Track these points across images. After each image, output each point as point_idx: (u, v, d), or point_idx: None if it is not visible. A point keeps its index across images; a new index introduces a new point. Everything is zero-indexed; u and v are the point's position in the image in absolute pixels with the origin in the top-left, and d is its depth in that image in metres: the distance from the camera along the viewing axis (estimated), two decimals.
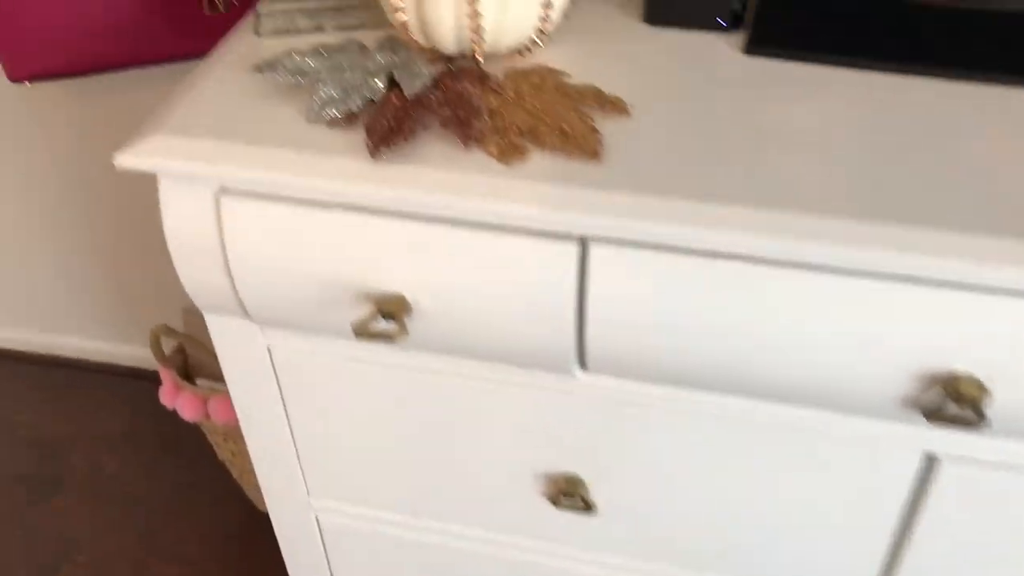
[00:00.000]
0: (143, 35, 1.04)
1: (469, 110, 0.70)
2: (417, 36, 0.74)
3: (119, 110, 1.28)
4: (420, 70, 0.74)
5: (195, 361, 1.41)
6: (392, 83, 0.73)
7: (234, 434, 1.36)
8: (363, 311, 0.74)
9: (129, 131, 1.30)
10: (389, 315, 0.72)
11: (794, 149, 0.67)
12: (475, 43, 0.73)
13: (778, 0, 0.81)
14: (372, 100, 0.72)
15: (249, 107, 0.73)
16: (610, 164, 0.66)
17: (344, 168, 0.68)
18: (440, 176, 0.67)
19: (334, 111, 0.71)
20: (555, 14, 0.74)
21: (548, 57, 0.77)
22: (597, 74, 0.75)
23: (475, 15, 0.71)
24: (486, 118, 0.70)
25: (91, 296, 1.65)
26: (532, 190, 0.65)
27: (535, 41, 0.75)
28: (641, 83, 0.74)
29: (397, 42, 0.79)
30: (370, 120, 0.70)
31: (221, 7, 1.05)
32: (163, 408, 1.40)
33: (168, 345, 1.40)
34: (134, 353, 1.72)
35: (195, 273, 0.76)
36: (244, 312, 0.79)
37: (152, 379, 1.66)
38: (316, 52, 0.76)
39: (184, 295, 1.49)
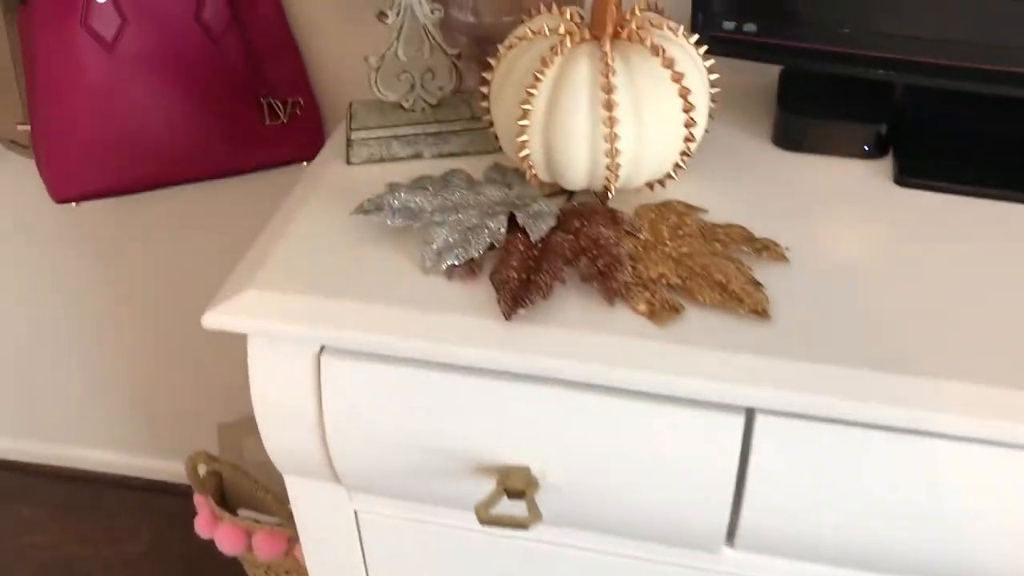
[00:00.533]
0: (197, 151, 0.96)
1: (610, 259, 0.61)
2: (540, 172, 0.66)
3: (158, 220, 1.19)
4: (542, 208, 0.66)
5: (231, 484, 1.30)
6: (512, 221, 0.65)
7: (277, 567, 1.24)
8: (481, 484, 0.64)
9: (169, 240, 1.21)
10: (516, 493, 0.62)
11: (973, 305, 0.59)
12: (608, 180, 0.65)
13: (929, 125, 0.73)
14: (493, 245, 0.64)
15: (352, 254, 0.65)
16: (776, 323, 0.58)
17: (474, 331, 0.59)
18: (584, 340, 0.58)
19: (453, 259, 0.62)
20: (695, 146, 0.66)
21: (677, 189, 0.69)
22: (737, 208, 0.67)
23: (614, 153, 0.63)
24: (629, 268, 0.61)
25: (115, 406, 1.55)
26: (693, 358, 0.57)
27: (671, 175, 0.67)
28: (789, 219, 0.66)
29: (507, 171, 0.71)
30: (497, 272, 0.61)
31: (283, 116, 0.97)
32: (190, 525, 1.29)
33: (203, 468, 1.29)
34: (158, 465, 1.61)
35: (285, 439, 0.67)
36: (335, 477, 0.69)
37: (177, 493, 1.55)
38: (420, 186, 0.68)
39: (221, 410, 1.39)
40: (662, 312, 0.59)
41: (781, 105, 0.74)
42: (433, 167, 0.73)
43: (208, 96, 0.95)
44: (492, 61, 0.67)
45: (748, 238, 0.64)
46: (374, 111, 0.74)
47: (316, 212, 0.69)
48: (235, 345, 0.66)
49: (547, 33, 0.64)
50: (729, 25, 0.72)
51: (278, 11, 0.95)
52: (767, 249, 0.63)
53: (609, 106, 0.61)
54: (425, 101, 0.74)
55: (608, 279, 0.60)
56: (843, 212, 0.67)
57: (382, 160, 0.73)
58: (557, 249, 0.63)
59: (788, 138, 0.74)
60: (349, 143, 0.73)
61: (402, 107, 0.74)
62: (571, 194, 0.69)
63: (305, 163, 1.01)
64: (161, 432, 1.58)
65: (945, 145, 0.72)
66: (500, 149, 0.72)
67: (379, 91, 0.72)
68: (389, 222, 0.65)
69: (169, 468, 1.60)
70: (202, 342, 1.31)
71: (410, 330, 0.59)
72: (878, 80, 0.71)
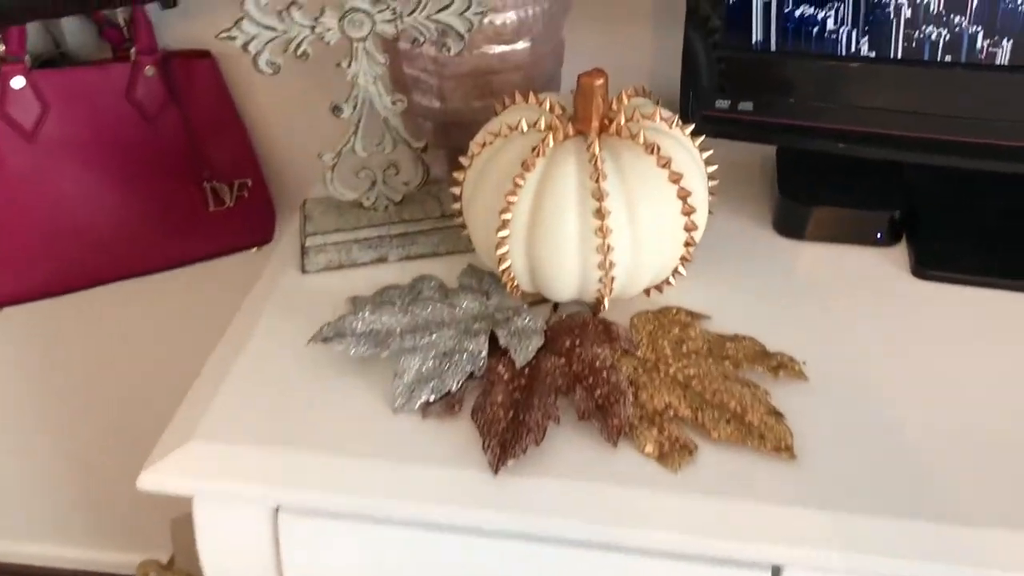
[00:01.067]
0: (136, 243, 0.87)
1: (608, 389, 0.54)
2: (523, 283, 0.59)
3: (101, 317, 1.10)
4: (526, 324, 0.58)
5: None
6: (493, 340, 0.57)
7: None
8: None
9: (114, 337, 1.11)
10: None
11: (1017, 428, 0.52)
12: (601, 293, 0.57)
13: (943, 208, 0.67)
14: (473, 373, 0.56)
15: (310, 391, 0.56)
16: (801, 461, 0.51)
17: (456, 486, 0.51)
18: (586, 493, 0.50)
19: (427, 395, 0.54)
20: (695, 250, 0.59)
21: (677, 290, 0.62)
22: (744, 313, 0.60)
23: (608, 265, 0.55)
24: (631, 398, 0.54)
25: (65, 500, 1.44)
26: (713, 512, 0.49)
27: (669, 282, 0.60)
28: (802, 323, 0.60)
29: (483, 275, 0.64)
30: (481, 410, 0.54)
31: (229, 200, 0.88)
32: None
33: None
34: (110, 559, 1.50)
35: None
36: None
37: None
38: (387, 301, 0.60)
39: (173, 504, 1.29)
40: (673, 453, 0.51)
41: (783, 190, 0.67)
42: (400, 271, 0.65)
43: (145, 182, 0.86)
44: (463, 159, 0.59)
45: (761, 354, 0.57)
46: (331, 211, 0.66)
47: (267, 338, 0.60)
48: None
49: (525, 128, 0.57)
50: (723, 104, 0.65)
51: (218, 85, 0.87)
52: (783, 367, 0.56)
53: (601, 214, 0.54)
54: (388, 198, 0.66)
55: (609, 415, 0.53)
56: (861, 313, 0.61)
57: (341, 267, 0.65)
58: (548, 379, 0.55)
59: (792, 226, 0.67)
60: (304, 250, 0.64)
61: (362, 206, 0.66)
62: (557, 303, 0.62)
63: (255, 249, 0.92)
64: (112, 526, 1.47)
65: (963, 230, 0.65)
66: (474, 249, 0.64)
67: (336, 190, 0.64)
68: (352, 351, 0.57)
69: (122, 561, 1.50)
70: (154, 433, 1.21)
71: (380, 486, 0.51)
72: (887, 160, 0.64)
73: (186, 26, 0.86)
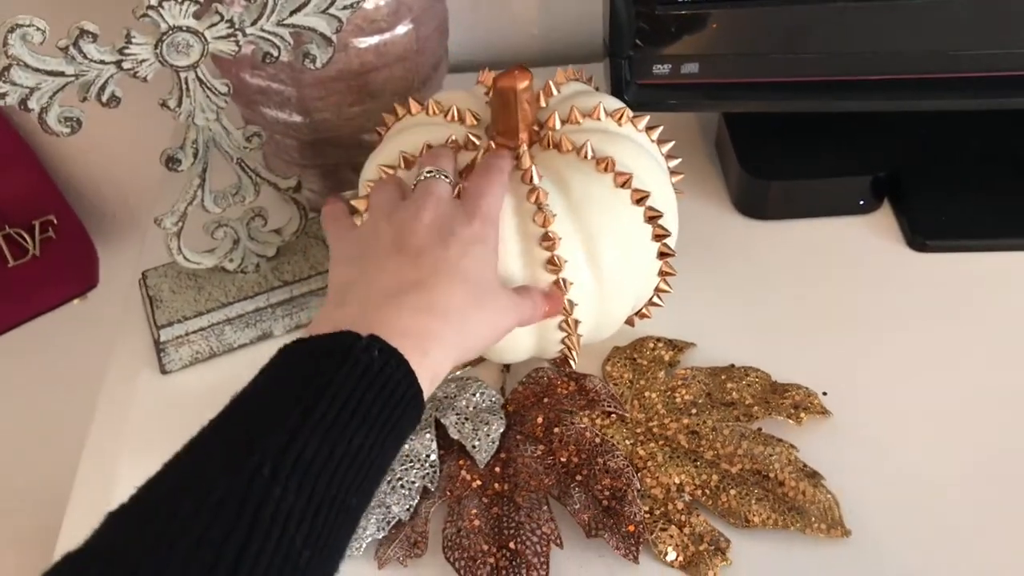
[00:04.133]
0: None
1: (611, 480, 0.43)
2: None
3: None
4: (478, 400, 0.47)
5: None
6: (439, 428, 0.46)
7: None
8: None
9: None
10: None
11: None
12: (567, 351, 0.46)
13: (924, 163, 0.58)
14: (428, 488, 0.44)
15: None
16: (855, 537, 0.42)
17: None
18: None
19: (372, 532, 0.42)
20: (673, 279, 0.48)
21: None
22: (731, 326, 0.51)
23: (571, 325, 0.44)
24: (637, 484, 0.43)
25: None
26: None
27: (644, 314, 0.49)
28: (804, 332, 0.51)
29: None
30: (456, 547, 0.42)
31: (32, 248, 0.70)
32: None
33: None
34: None
35: None
36: None
37: None
38: None
39: None
40: (703, 557, 0.42)
41: (744, 165, 0.56)
42: None
43: None
44: (356, 203, 0.45)
45: (771, 391, 0.47)
46: (185, 286, 0.51)
47: (132, 471, 0.46)
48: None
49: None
50: (662, 69, 0.53)
51: None
52: (804, 409, 0.47)
53: (555, 265, 0.42)
54: (259, 256, 0.51)
55: (621, 519, 0.42)
56: (865, 307, 0.52)
57: (213, 356, 0.51)
58: (533, 482, 0.44)
59: (757, 205, 0.57)
60: (159, 346, 0.49)
61: (225, 270, 0.51)
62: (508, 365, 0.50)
63: (77, 301, 0.75)
64: None
65: (948, 185, 0.57)
66: None
67: (186, 260, 0.49)
68: None
69: None
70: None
71: None
72: (858, 112, 0.55)
73: None
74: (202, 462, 0.30)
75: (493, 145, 0.44)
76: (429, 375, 0.34)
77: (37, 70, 0.39)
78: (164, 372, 0.50)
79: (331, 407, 0.30)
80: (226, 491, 0.28)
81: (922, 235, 0.54)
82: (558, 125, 0.45)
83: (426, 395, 0.34)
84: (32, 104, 0.40)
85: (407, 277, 0.36)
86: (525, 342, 0.45)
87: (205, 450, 0.30)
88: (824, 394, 0.47)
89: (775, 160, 0.56)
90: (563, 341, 0.45)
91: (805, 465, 0.44)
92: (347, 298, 0.36)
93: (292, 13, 0.42)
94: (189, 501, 0.27)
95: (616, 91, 0.53)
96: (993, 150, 0.58)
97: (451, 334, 0.35)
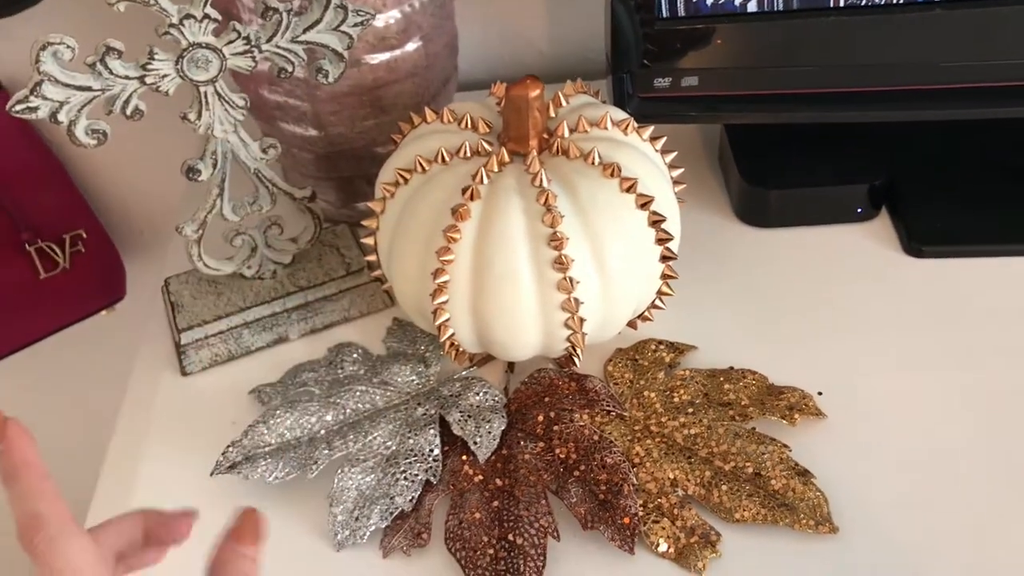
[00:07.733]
0: None
1: (608, 475, 0.46)
2: (469, 346, 0.49)
3: None
4: (481, 399, 0.49)
5: None
6: (443, 423, 0.48)
7: None
8: None
9: None
10: None
11: None
12: (571, 350, 0.48)
13: (921, 168, 0.60)
14: (430, 481, 0.46)
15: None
16: (843, 534, 0.44)
17: None
18: None
19: (375, 521, 0.45)
20: (674, 282, 0.50)
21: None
22: (731, 329, 0.54)
23: (577, 323, 0.46)
24: (633, 479, 0.46)
25: None
26: None
27: (646, 316, 0.52)
28: (800, 337, 0.53)
29: (415, 336, 0.54)
30: (457, 537, 0.44)
31: (63, 261, 0.74)
32: None
33: None
34: None
35: None
36: None
37: None
38: (301, 392, 0.50)
39: None
40: (693, 548, 0.44)
41: (744, 175, 0.59)
42: (310, 346, 0.54)
43: None
44: (374, 204, 0.48)
45: (767, 392, 0.50)
46: (205, 292, 0.54)
47: (156, 470, 0.49)
48: None
49: (445, 159, 0.47)
50: (663, 83, 0.56)
51: (20, 125, 0.72)
52: (798, 410, 0.49)
53: (562, 265, 0.44)
54: (276, 263, 0.55)
55: (617, 511, 0.44)
56: (862, 311, 0.54)
57: (232, 359, 0.54)
58: (532, 477, 0.46)
59: (759, 213, 0.59)
60: (179, 349, 0.53)
61: (244, 277, 0.54)
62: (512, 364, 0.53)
63: (104, 312, 0.79)
64: None
65: (945, 191, 0.59)
66: (392, 303, 0.55)
67: (207, 267, 0.53)
68: (270, 477, 0.46)
69: None
70: None
71: None
72: (854, 122, 0.57)
73: None
74: None
75: (505, 152, 0.47)
76: None
77: (67, 85, 0.42)
78: (185, 374, 0.53)
79: None
80: None
81: (918, 242, 0.56)
82: (567, 133, 0.48)
83: None
84: (61, 117, 0.43)
85: None
86: (532, 340, 0.47)
87: None
88: (819, 393, 0.49)
89: (775, 170, 0.59)
90: (568, 339, 0.47)
91: (796, 464, 0.46)
92: None
93: (305, 30, 0.46)
94: None
95: (619, 103, 0.56)
96: (987, 159, 0.60)
97: None
